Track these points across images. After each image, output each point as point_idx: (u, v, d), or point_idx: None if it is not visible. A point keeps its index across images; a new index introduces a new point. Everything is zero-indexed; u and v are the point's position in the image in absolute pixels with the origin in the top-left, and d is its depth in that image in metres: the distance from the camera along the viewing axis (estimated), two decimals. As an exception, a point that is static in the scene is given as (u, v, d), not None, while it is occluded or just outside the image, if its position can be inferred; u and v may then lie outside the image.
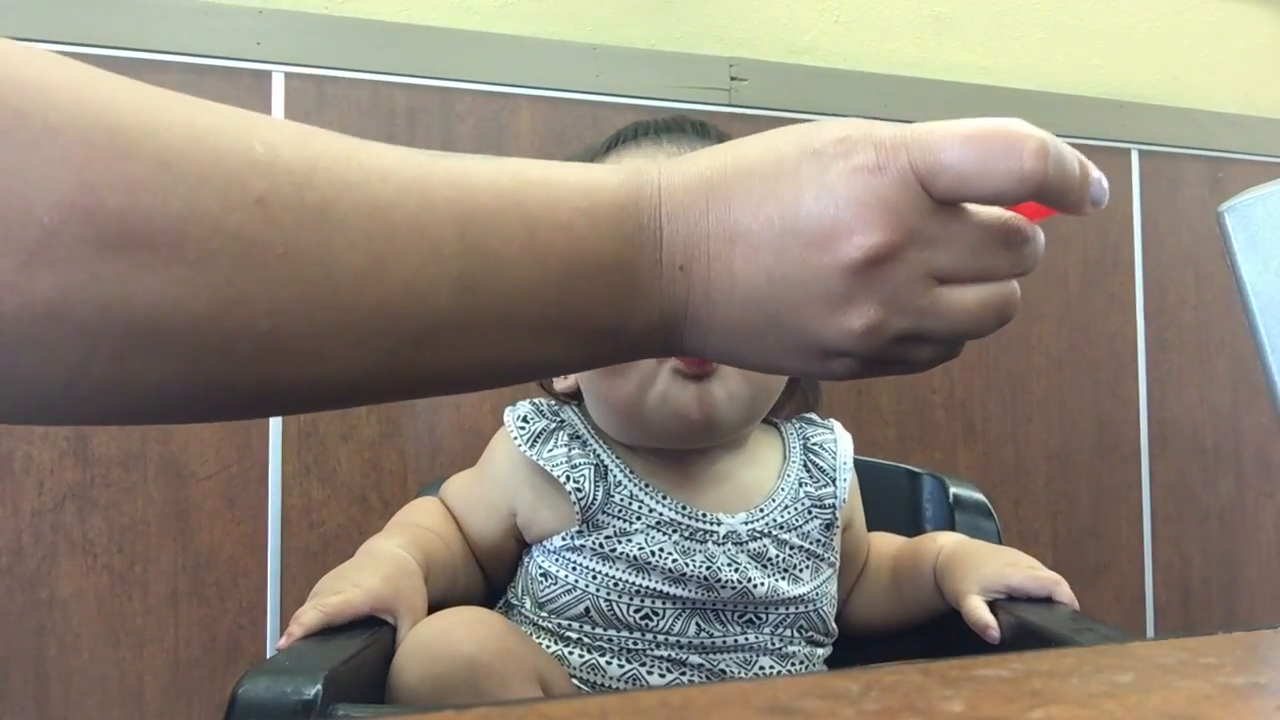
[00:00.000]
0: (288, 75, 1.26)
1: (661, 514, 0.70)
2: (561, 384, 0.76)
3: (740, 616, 0.70)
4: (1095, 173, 0.40)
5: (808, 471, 0.77)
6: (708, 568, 0.68)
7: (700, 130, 0.75)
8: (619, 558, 0.69)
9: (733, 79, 1.45)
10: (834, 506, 0.75)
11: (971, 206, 0.39)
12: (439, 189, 0.37)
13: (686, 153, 0.64)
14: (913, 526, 0.89)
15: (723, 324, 0.40)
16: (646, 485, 0.71)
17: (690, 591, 0.68)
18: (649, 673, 0.69)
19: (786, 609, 0.71)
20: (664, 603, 0.69)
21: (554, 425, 0.73)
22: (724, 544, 0.70)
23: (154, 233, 0.32)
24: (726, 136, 0.74)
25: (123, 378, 0.33)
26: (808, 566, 0.73)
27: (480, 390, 0.42)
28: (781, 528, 0.73)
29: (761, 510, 0.73)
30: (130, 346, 0.32)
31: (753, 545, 0.71)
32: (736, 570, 0.69)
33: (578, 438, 0.73)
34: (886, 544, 0.84)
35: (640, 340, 0.41)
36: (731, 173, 0.39)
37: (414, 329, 0.36)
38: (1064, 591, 0.69)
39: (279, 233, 0.33)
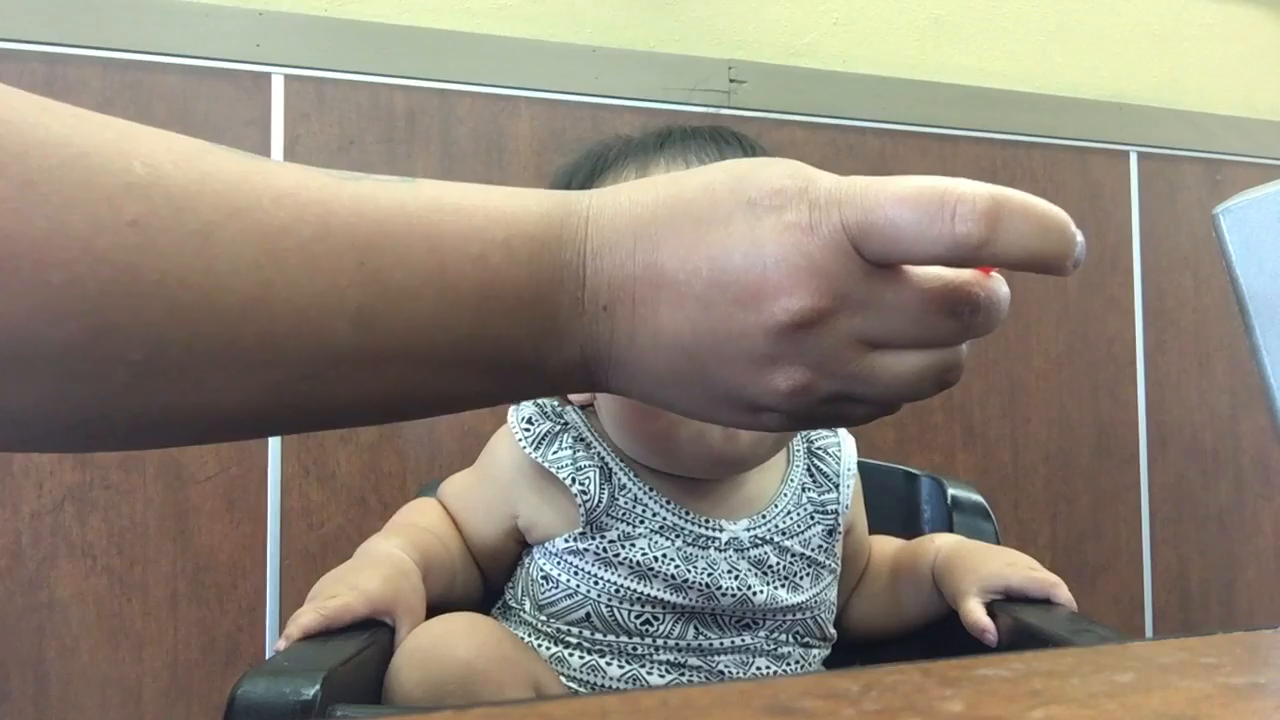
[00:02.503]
0: (287, 77, 1.27)
1: (665, 518, 0.70)
2: (577, 396, 0.74)
3: (738, 621, 0.70)
4: (1070, 229, 0.36)
5: (811, 476, 0.77)
6: (709, 575, 0.68)
7: (734, 141, 0.72)
8: (622, 563, 0.69)
9: (732, 81, 1.45)
10: (837, 513, 0.75)
11: (913, 269, 0.37)
12: (339, 215, 0.35)
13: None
14: (910, 528, 0.89)
15: (648, 369, 0.38)
16: (650, 489, 0.71)
17: (690, 600, 0.68)
18: (649, 674, 0.69)
19: (784, 616, 0.71)
20: (664, 610, 0.69)
21: (558, 428, 0.73)
22: (725, 550, 0.70)
23: (16, 254, 0.30)
24: (759, 148, 0.73)
25: None
26: (808, 574, 0.73)
27: (391, 422, 0.41)
28: (783, 534, 0.72)
29: (764, 516, 0.72)
30: None
31: (754, 552, 0.71)
32: (736, 578, 0.69)
33: (581, 440, 0.73)
34: (885, 546, 0.84)
35: (561, 378, 0.39)
36: (664, 211, 0.37)
37: (307, 361, 0.34)
38: (1062, 593, 0.69)
39: (154, 258, 0.32)
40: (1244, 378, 1.70)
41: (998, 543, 0.83)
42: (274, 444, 1.23)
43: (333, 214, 0.35)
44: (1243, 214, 0.40)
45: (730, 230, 0.36)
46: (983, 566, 0.72)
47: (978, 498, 0.89)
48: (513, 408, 0.75)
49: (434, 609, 0.66)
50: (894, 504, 0.91)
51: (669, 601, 0.68)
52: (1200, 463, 1.68)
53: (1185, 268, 1.68)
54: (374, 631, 0.61)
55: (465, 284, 0.36)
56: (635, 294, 0.37)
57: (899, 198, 0.35)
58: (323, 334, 0.34)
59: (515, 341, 0.37)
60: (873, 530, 0.85)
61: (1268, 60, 1.79)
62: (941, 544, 0.78)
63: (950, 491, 0.89)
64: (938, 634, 0.78)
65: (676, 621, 0.69)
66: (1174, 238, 1.68)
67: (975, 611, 0.69)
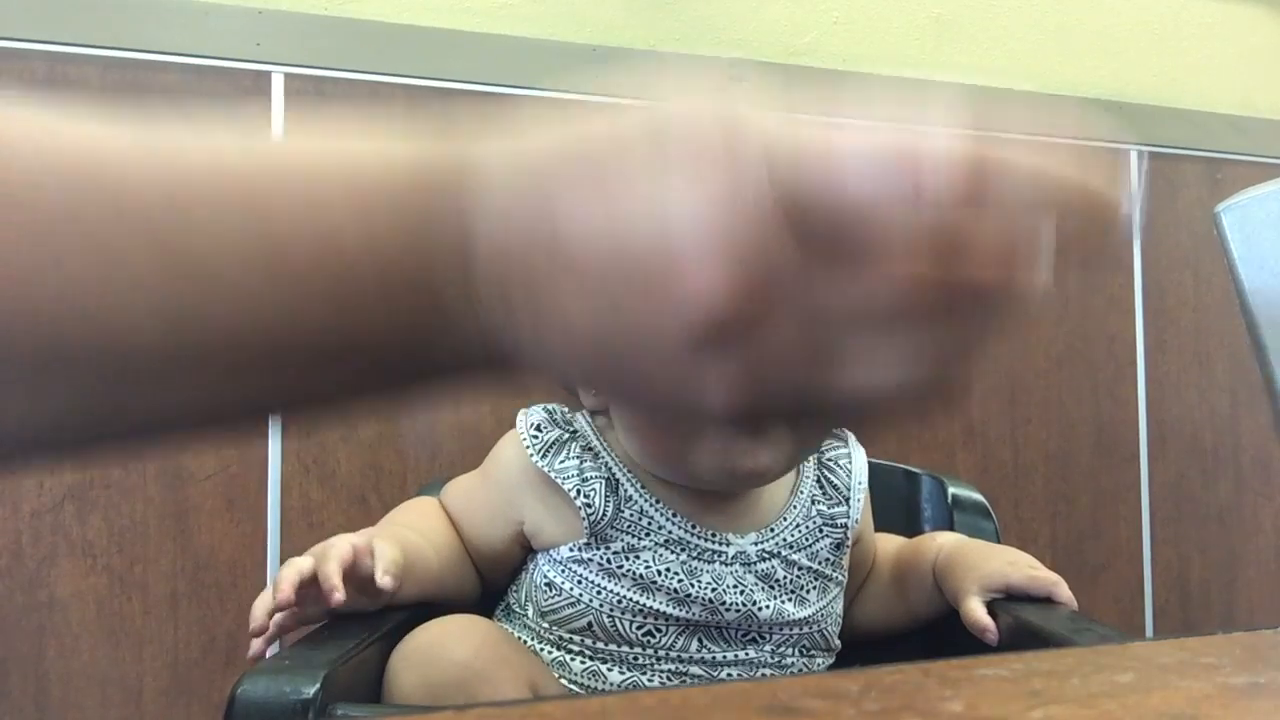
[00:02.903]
0: (287, 76, 1.26)
1: (671, 532, 0.69)
2: (591, 400, 0.73)
3: (744, 636, 0.70)
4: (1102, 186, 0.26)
5: (821, 489, 0.76)
6: (713, 590, 0.68)
7: None
8: (625, 575, 0.68)
9: (732, 80, 1.45)
10: (846, 526, 0.75)
11: None
12: (136, 186, 0.26)
13: None
14: (911, 527, 0.89)
15: (570, 369, 0.31)
16: (657, 502, 0.70)
17: (694, 614, 0.68)
18: (650, 681, 0.68)
19: (790, 630, 0.71)
20: (666, 622, 0.68)
21: (567, 435, 0.72)
22: (732, 565, 0.70)
23: None
24: None
25: None
26: (815, 587, 0.73)
27: (248, 430, 0.34)
28: (791, 547, 0.72)
29: (772, 530, 0.72)
30: None
31: (761, 566, 0.70)
32: (742, 593, 0.69)
33: (590, 449, 0.72)
34: (887, 544, 0.84)
35: (463, 374, 0.31)
36: (563, 159, 0.28)
37: (106, 367, 0.27)
38: (1063, 592, 0.69)
39: None
40: (1244, 376, 1.70)
41: (998, 541, 0.83)
42: (274, 443, 1.23)
43: (127, 184, 0.26)
44: (1244, 212, 0.40)
45: (634, 192, 0.26)
46: (984, 565, 0.72)
47: (978, 497, 0.89)
48: (521, 411, 0.74)
49: (420, 611, 0.66)
50: (894, 503, 0.91)
51: (671, 615, 0.68)
52: (1200, 462, 1.68)
53: (1185, 266, 1.68)
54: (374, 629, 0.61)
55: (311, 271, 0.27)
56: (532, 273, 0.27)
57: (848, 154, 0.25)
58: (121, 335, 0.27)
59: (386, 336, 0.29)
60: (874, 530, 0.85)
61: (1268, 60, 1.79)
62: (943, 542, 0.78)
63: (951, 490, 0.89)
64: (938, 634, 0.78)
65: (680, 634, 0.69)
66: (1174, 236, 1.68)
67: (976, 610, 0.69)
